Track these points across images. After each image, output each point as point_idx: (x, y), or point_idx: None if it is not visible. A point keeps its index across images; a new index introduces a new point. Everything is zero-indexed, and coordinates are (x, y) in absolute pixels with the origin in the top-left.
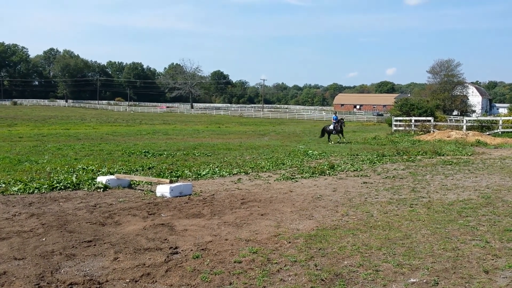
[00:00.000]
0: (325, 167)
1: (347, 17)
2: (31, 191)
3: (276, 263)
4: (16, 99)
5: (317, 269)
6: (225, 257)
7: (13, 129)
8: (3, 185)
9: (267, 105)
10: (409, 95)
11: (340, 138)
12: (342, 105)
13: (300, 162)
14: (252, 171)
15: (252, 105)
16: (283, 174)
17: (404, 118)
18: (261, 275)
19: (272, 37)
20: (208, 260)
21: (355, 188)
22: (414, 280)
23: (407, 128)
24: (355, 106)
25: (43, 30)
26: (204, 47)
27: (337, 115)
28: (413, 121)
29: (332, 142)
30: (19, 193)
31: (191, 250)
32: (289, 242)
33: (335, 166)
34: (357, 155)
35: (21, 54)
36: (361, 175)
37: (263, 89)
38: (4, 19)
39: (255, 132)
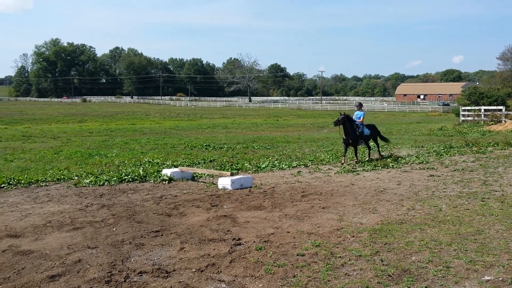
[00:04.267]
0: (388, 159)
1: (409, 4)
2: (101, 183)
3: (340, 257)
4: (86, 96)
5: (383, 264)
6: (287, 249)
7: (84, 125)
8: (76, 178)
9: (325, 97)
10: (477, 83)
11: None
12: (405, 95)
13: (361, 154)
14: (312, 164)
15: (310, 97)
16: (344, 167)
17: (473, 108)
18: (325, 269)
19: (330, 28)
20: (271, 252)
21: (421, 181)
22: (489, 278)
23: (476, 118)
24: (418, 96)
25: (109, 30)
26: (261, 41)
27: (362, 108)
28: (482, 110)
29: (356, 162)
30: (91, 185)
31: (254, 242)
32: (353, 236)
33: (399, 158)
34: (422, 146)
35: (89, 53)
36: (427, 168)
37: (321, 81)
38: (72, 20)
39: (314, 124)
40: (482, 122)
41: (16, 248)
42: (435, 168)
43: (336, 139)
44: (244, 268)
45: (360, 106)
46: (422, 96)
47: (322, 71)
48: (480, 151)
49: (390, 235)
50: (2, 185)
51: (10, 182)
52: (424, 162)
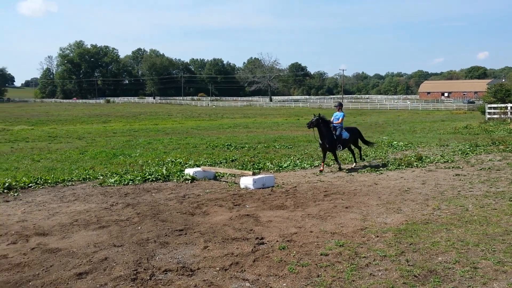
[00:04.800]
0: (412, 158)
1: (432, 0)
2: (126, 182)
3: (365, 257)
4: (109, 98)
5: (408, 265)
6: (311, 249)
7: (108, 125)
8: (101, 177)
9: (346, 95)
10: (503, 80)
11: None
12: (429, 93)
13: (385, 153)
14: (334, 163)
15: (331, 96)
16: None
17: (499, 105)
18: (349, 269)
19: (351, 25)
20: (294, 252)
21: (446, 180)
22: None
23: (502, 116)
24: (442, 94)
25: (131, 32)
26: (281, 40)
27: (342, 109)
28: (509, 108)
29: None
30: (115, 185)
31: (277, 241)
32: (377, 236)
33: (423, 157)
34: (447, 145)
35: (112, 55)
36: (453, 167)
37: (342, 79)
38: (95, 23)
39: None
40: (509, 120)
41: (44, 246)
42: (461, 167)
43: None
44: (268, 267)
45: (340, 106)
46: (446, 94)
47: (343, 70)
48: (507, 149)
49: (415, 235)
50: (30, 185)
51: (38, 182)
52: (449, 161)
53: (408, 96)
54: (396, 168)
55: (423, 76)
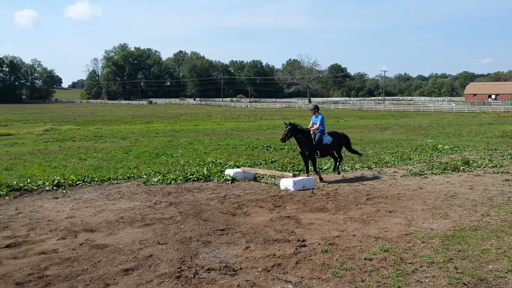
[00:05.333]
0: (459, 162)
1: None
2: (168, 181)
3: (411, 263)
4: (151, 99)
5: (457, 272)
6: (354, 253)
7: (150, 126)
8: (145, 176)
9: (388, 97)
10: None
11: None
12: (475, 95)
13: (429, 157)
14: (376, 166)
15: (372, 97)
16: (410, 170)
17: None
18: (395, 275)
19: (393, 25)
20: (337, 256)
21: (495, 186)
22: None
23: None
24: (490, 96)
25: (173, 34)
26: (321, 41)
27: (318, 113)
28: None
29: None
30: (159, 184)
31: (319, 244)
32: (423, 242)
33: (470, 161)
34: (495, 149)
35: (154, 57)
36: (502, 172)
37: (383, 80)
38: (139, 26)
39: (376, 125)
40: None
41: (92, 242)
42: (511, 172)
43: (401, 140)
44: (310, 270)
45: (315, 109)
46: (493, 96)
47: (384, 71)
48: None
49: (463, 242)
50: (77, 182)
51: (85, 180)
52: (498, 166)
53: (453, 98)
54: (441, 172)
55: (468, 77)
